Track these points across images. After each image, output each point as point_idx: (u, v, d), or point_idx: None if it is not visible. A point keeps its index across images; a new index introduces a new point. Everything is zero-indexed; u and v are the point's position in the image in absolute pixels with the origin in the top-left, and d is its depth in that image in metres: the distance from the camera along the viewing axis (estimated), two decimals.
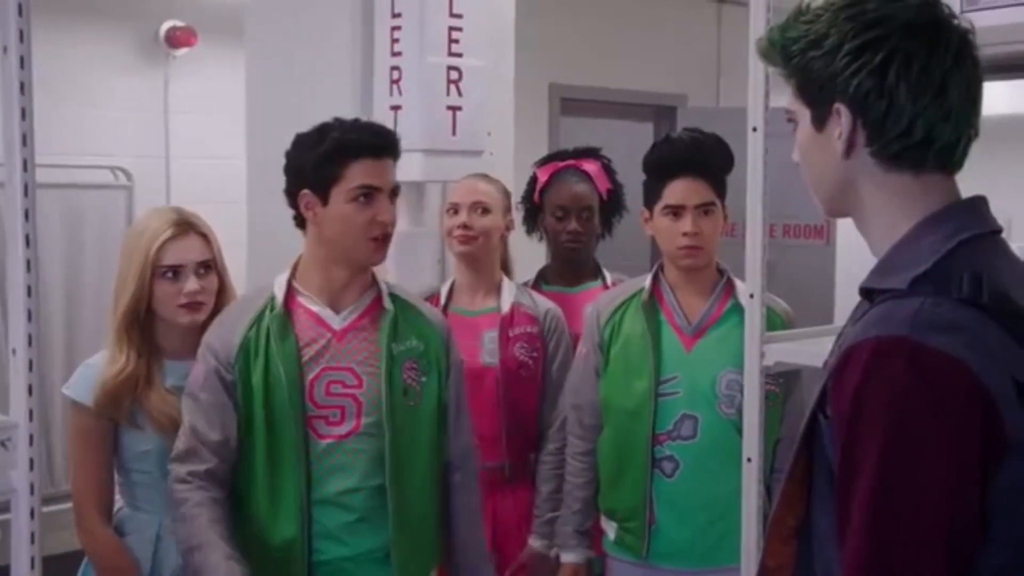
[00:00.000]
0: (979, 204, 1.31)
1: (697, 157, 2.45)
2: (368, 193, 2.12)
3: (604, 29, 6.15)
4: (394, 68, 3.01)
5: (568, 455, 2.62)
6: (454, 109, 3.01)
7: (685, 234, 2.42)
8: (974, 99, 1.27)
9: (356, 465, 2.14)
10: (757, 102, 2.00)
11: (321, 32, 3.27)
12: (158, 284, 2.27)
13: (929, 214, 1.27)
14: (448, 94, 2.99)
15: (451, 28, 2.99)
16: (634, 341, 2.47)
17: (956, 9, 1.65)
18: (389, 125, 3.05)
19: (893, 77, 1.23)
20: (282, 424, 2.11)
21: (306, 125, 3.28)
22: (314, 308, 2.18)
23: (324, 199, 2.14)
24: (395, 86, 3.02)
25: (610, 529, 2.53)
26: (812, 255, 5.71)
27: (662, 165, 2.48)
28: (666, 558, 2.44)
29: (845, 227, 1.40)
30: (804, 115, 1.34)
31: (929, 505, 1.13)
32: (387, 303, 2.23)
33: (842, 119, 1.28)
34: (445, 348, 2.28)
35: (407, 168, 3.06)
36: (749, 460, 2.06)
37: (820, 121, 1.31)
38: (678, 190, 2.43)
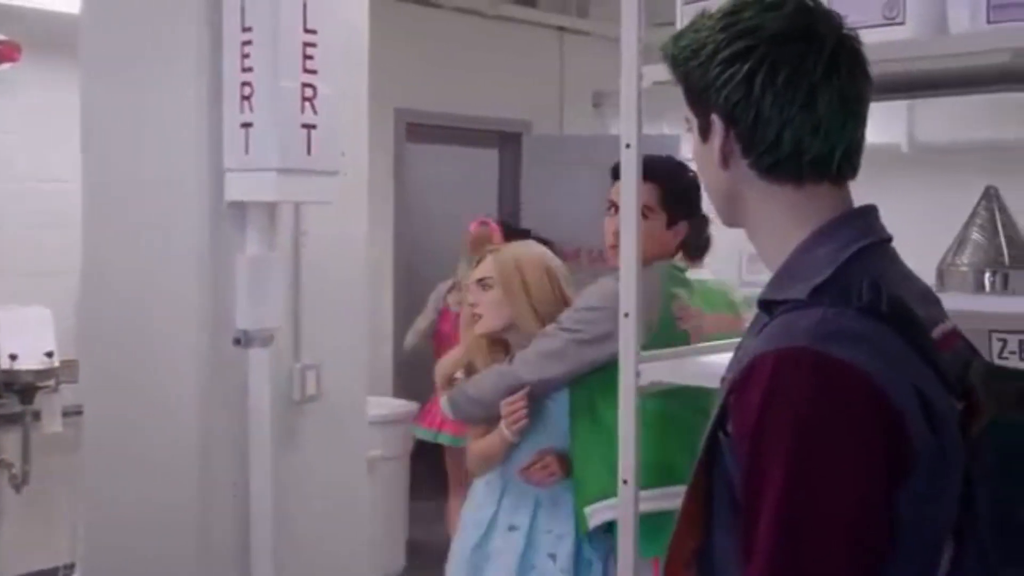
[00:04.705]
0: (869, 213, 1.30)
1: None
2: None
3: (449, 55, 6.13)
4: (245, 84, 2.87)
5: None
6: (309, 127, 2.88)
7: None
8: (850, 110, 1.25)
9: None
10: (630, 119, 1.98)
11: (164, 48, 3.09)
12: None
13: (822, 224, 1.26)
14: (303, 112, 2.87)
15: (305, 44, 2.87)
16: None
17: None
18: (240, 143, 2.92)
19: (759, 88, 1.22)
20: None
21: (147, 146, 3.13)
22: None
23: None
24: (246, 103, 2.87)
25: None
26: None
27: None
28: None
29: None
30: (693, 124, 1.31)
31: (838, 518, 1.11)
32: None
33: (717, 129, 1.26)
34: None
35: (260, 188, 2.93)
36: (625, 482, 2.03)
37: (703, 131, 1.29)
38: None
